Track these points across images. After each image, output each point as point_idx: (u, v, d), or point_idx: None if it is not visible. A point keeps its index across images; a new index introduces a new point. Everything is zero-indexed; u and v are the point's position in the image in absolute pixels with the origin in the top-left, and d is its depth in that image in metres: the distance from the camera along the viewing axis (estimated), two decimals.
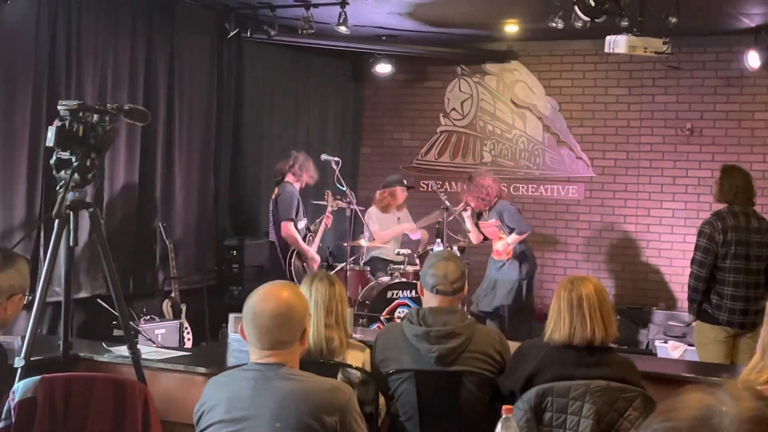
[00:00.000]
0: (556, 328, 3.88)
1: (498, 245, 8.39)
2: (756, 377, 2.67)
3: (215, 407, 2.97)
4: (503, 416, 3.17)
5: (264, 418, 2.90)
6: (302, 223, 8.32)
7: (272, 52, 9.39)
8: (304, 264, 8.31)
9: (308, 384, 2.97)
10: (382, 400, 4.21)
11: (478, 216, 8.54)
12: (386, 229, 9.03)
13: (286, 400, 2.91)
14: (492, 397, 4.08)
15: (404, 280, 8.38)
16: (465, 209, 8.50)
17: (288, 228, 8.12)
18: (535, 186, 10.14)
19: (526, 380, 3.88)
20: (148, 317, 7.56)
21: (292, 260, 8.22)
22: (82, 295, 7.22)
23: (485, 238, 8.61)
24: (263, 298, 2.98)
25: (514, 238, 8.28)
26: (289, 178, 8.29)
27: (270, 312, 2.95)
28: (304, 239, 8.32)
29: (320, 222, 8.50)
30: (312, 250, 8.39)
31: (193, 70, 8.45)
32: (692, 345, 7.11)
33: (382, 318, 8.13)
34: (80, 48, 7.19)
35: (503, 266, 8.35)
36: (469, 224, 8.56)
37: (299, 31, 8.26)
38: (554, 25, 7.45)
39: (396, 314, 8.15)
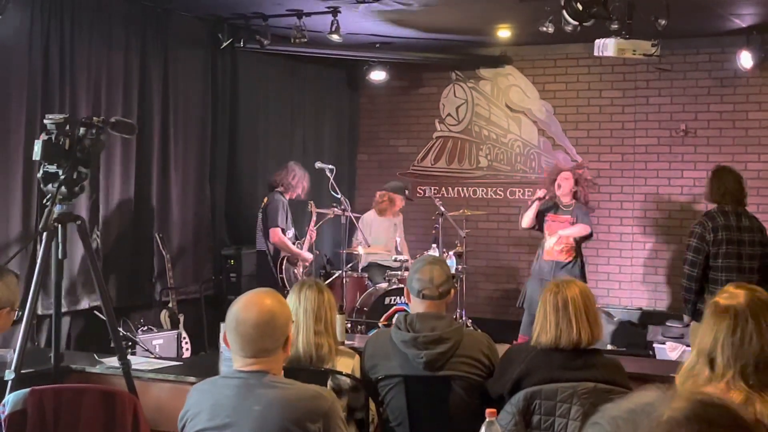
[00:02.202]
0: (543, 331, 3.90)
1: (563, 233, 8.19)
2: (692, 383, 2.72)
3: (199, 414, 3.00)
4: (487, 420, 3.20)
5: (246, 426, 2.92)
6: (290, 233, 8.37)
7: (266, 62, 9.43)
8: (294, 270, 8.35)
9: (291, 391, 2.99)
10: (372, 406, 4.23)
11: (548, 207, 8.38)
12: (380, 234, 9.06)
13: (269, 407, 2.93)
14: (481, 401, 4.09)
15: (402, 286, 8.39)
16: (543, 198, 8.35)
17: (276, 234, 8.19)
18: (532, 190, 10.13)
19: (514, 383, 3.89)
20: (146, 328, 7.58)
21: (283, 266, 8.26)
22: (81, 306, 7.25)
23: (535, 228, 8.45)
24: (246, 307, 3.00)
25: (579, 229, 8.18)
26: (280, 188, 8.36)
27: (253, 320, 2.97)
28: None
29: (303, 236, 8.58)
30: (304, 252, 8.45)
31: (187, 80, 8.49)
32: (690, 346, 7.12)
33: (380, 324, 8.14)
34: (74, 61, 7.23)
35: (563, 268, 8.19)
36: (533, 208, 8.37)
37: (292, 40, 8.29)
38: (545, 29, 7.48)
39: (394, 320, 8.15)
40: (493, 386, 4.04)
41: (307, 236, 8.56)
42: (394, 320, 8.07)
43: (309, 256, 8.51)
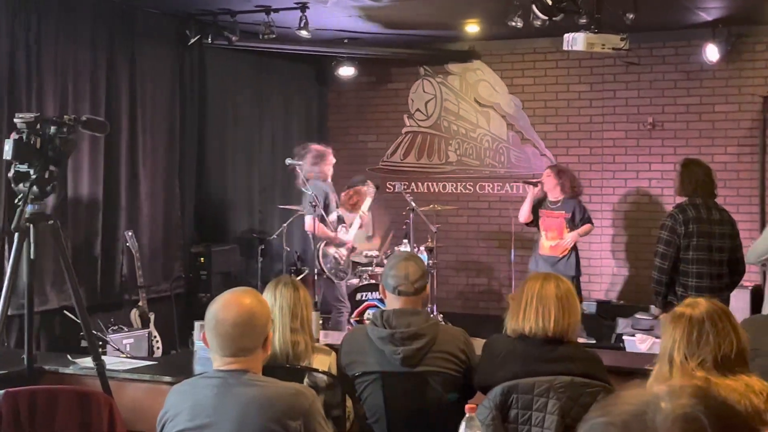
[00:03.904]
0: (521, 321, 3.91)
1: (566, 237, 8.41)
2: (657, 378, 2.99)
3: (178, 415, 2.97)
4: (467, 415, 3.20)
5: (227, 425, 2.90)
6: (333, 216, 8.37)
7: (234, 58, 9.38)
8: (336, 253, 8.34)
9: (271, 389, 2.98)
10: (349, 402, 4.23)
11: (539, 202, 8.54)
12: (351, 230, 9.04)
13: (249, 406, 2.92)
14: (458, 396, 4.10)
15: (372, 281, 8.40)
16: (535, 185, 8.56)
17: (310, 221, 8.17)
18: (501, 184, 10.19)
19: (493, 376, 3.90)
20: (116, 327, 7.53)
21: (319, 250, 8.24)
22: (49, 306, 7.18)
23: (532, 224, 8.63)
24: (225, 306, 2.99)
25: (585, 229, 8.49)
26: (310, 176, 8.31)
27: (232, 319, 2.95)
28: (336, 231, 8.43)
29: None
30: (345, 237, 8.45)
31: (155, 78, 8.43)
32: (660, 338, 7.17)
33: (351, 320, 8.14)
34: (40, 59, 7.15)
35: (559, 262, 8.33)
36: (527, 202, 8.57)
37: (260, 36, 8.26)
38: (514, 24, 7.51)
39: (365, 316, 8.17)
40: (477, 379, 4.04)
41: (356, 219, 8.59)
42: (365, 316, 8.14)
43: (347, 240, 8.46)
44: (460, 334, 4.24)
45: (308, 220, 8.21)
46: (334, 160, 8.47)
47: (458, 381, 4.09)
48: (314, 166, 8.33)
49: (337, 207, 8.48)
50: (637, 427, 1.04)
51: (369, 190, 8.85)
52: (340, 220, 8.50)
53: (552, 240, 8.42)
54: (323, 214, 8.14)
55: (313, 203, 7.95)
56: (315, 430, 2.99)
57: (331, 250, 8.30)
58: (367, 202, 8.73)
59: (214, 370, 3.01)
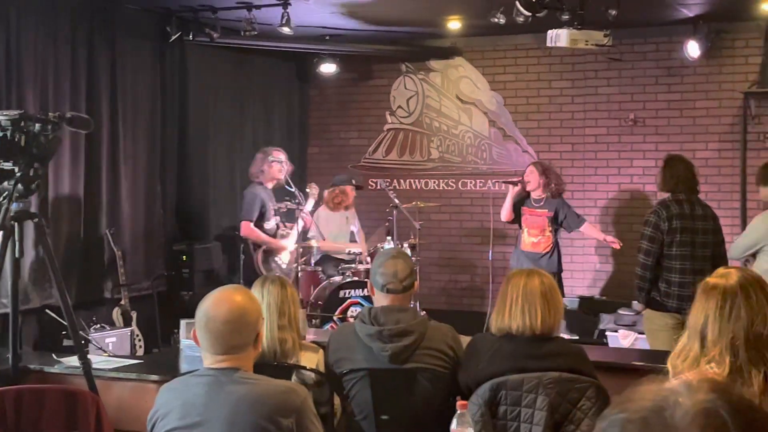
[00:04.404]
0: (505, 318, 3.91)
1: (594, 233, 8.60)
2: (682, 362, 2.81)
3: (169, 414, 2.96)
4: (458, 411, 3.20)
5: (218, 423, 2.89)
6: (271, 223, 8.42)
7: (216, 55, 9.34)
8: (277, 258, 8.47)
9: (262, 387, 2.97)
10: (337, 400, 4.22)
11: (522, 200, 8.50)
12: (334, 228, 9.03)
13: (240, 404, 2.90)
14: (447, 393, 4.10)
15: (356, 278, 8.38)
16: (516, 185, 8.49)
17: (246, 227, 8.31)
18: (483, 180, 10.20)
19: (480, 374, 3.90)
20: (99, 326, 7.48)
21: (258, 257, 8.38)
22: (31, 306, 7.12)
23: (514, 222, 8.61)
24: (216, 303, 2.97)
25: (596, 230, 8.82)
26: (256, 179, 8.45)
27: (223, 317, 2.94)
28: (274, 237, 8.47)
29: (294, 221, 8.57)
30: (283, 241, 8.51)
31: (136, 75, 8.37)
32: (643, 333, 7.20)
33: (335, 318, 8.12)
34: (20, 56, 7.09)
35: (542, 258, 8.32)
36: (508, 199, 8.54)
37: (242, 33, 8.23)
38: (496, 20, 7.51)
39: (349, 313, 8.15)
40: (462, 378, 4.04)
41: (298, 222, 8.54)
42: (348, 314, 8.13)
43: (284, 244, 8.52)
44: (448, 331, 4.24)
45: (244, 225, 8.32)
46: (286, 168, 8.46)
47: (447, 377, 4.09)
48: (259, 170, 8.41)
49: (276, 214, 8.50)
50: (657, 423, 1.04)
51: (312, 191, 8.80)
52: (278, 226, 8.53)
53: (534, 237, 8.43)
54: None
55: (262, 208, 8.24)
56: (307, 428, 2.98)
57: (271, 257, 8.41)
58: (310, 203, 8.71)
59: (204, 368, 2.99)
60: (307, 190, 8.77)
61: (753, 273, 2.91)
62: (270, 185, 8.45)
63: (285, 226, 8.58)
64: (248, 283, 8.21)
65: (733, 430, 1.02)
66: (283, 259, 8.53)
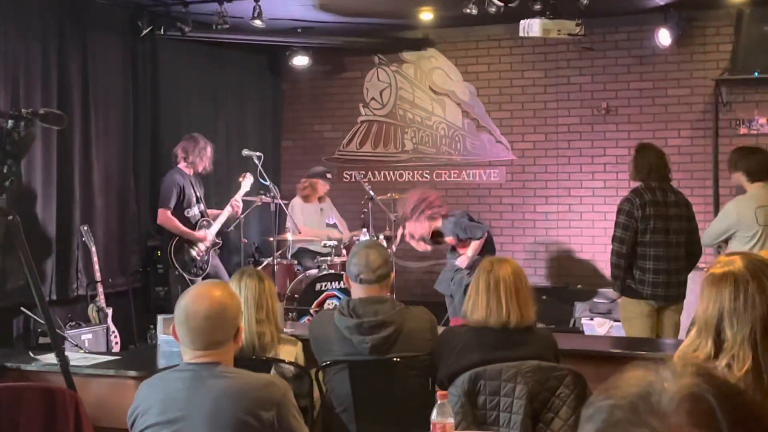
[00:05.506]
0: (474, 309, 3.94)
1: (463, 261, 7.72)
2: (693, 356, 2.61)
3: (149, 410, 2.95)
4: (438, 402, 3.21)
5: (199, 418, 2.88)
6: (194, 210, 8.22)
7: (187, 49, 9.29)
8: (192, 249, 8.19)
9: (243, 380, 2.97)
10: (316, 392, 4.22)
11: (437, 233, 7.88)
12: (308, 220, 9.01)
13: (221, 398, 2.90)
14: (426, 382, 4.12)
15: (332, 271, 8.38)
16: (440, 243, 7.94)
17: (163, 215, 8.05)
18: (457, 171, 10.21)
19: (450, 368, 3.92)
20: (74, 323, 7.44)
21: (171, 247, 8.11)
22: (4, 304, 7.06)
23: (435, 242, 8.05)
24: (195, 299, 2.96)
25: (473, 248, 7.61)
26: (180, 164, 8.22)
27: (203, 312, 2.93)
28: (196, 226, 8.22)
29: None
30: (201, 233, 8.24)
31: (107, 70, 8.32)
32: (618, 321, 7.25)
33: (311, 311, 8.12)
34: None
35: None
36: (421, 246, 8.01)
37: (214, 27, 8.19)
38: (468, 11, 7.52)
39: (325, 306, 8.15)
40: (436, 370, 4.06)
41: (226, 209, 8.38)
42: (325, 306, 8.13)
43: (204, 236, 8.27)
44: (428, 319, 4.26)
45: (160, 213, 8.08)
46: (208, 155, 8.26)
47: (426, 365, 4.11)
48: (194, 155, 8.20)
49: (199, 202, 8.27)
50: (644, 408, 1.05)
51: (245, 182, 8.54)
52: (203, 214, 8.33)
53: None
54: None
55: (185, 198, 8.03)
56: (288, 421, 2.98)
57: (186, 246, 8.18)
58: (240, 193, 8.48)
59: (185, 363, 2.98)
60: (240, 179, 8.55)
61: (757, 256, 2.70)
62: (190, 172, 8.23)
63: (204, 215, 8.33)
64: (165, 275, 8.20)
65: (719, 413, 1.03)
66: (200, 247, 8.25)
